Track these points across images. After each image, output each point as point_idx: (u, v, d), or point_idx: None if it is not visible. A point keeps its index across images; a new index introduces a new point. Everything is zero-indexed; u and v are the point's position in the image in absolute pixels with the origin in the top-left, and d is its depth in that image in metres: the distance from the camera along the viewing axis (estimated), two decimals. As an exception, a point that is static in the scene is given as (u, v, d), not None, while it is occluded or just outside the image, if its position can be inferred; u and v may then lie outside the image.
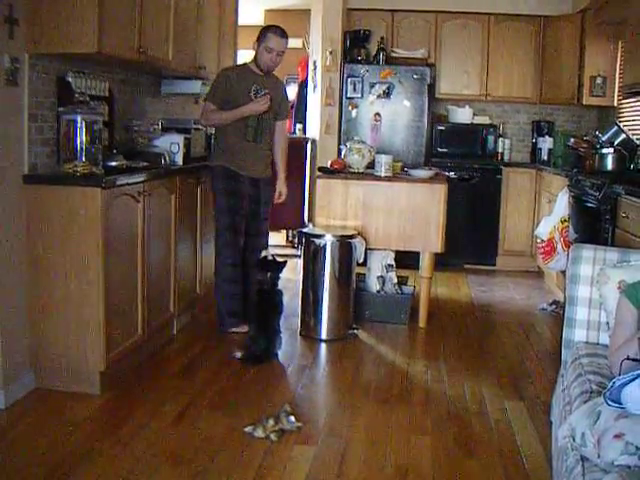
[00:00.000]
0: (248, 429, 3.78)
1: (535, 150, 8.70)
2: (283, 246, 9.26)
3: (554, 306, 6.54)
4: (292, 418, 3.82)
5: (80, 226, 4.09)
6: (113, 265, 4.24)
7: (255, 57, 5.46)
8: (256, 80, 5.44)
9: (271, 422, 3.76)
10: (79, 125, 4.36)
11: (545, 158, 8.46)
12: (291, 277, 7.19)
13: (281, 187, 5.72)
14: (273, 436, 3.71)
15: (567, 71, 8.08)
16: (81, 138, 4.37)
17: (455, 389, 4.57)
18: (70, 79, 4.50)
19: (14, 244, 4.05)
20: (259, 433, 3.73)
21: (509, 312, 6.56)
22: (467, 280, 7.78)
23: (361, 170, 6.12)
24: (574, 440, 2.39)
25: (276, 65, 5.50)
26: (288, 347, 5.25)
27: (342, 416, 4.15)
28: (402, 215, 5.77)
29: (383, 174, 5.94)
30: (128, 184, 4.40)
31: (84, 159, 4.32)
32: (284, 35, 5.40)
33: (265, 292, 5.18)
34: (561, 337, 3.66)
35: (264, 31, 5.43)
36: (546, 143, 8.49)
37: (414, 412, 4.20)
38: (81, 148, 4.36)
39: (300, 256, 6.08)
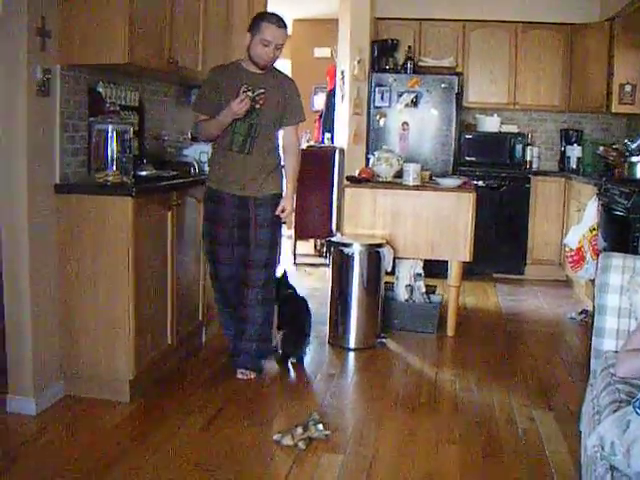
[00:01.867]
0: (276, 437, 3.79)
1: (564, 158, 8.67)
2: (311, 255, 9.29)
3: (583, 315, 6.51)
4: (320, 426, 3.83)
5: (110, 235, 4.12)
6: (143, 274, 4.28)
7: (248, 51, 4.61)
8: (248, 79, 4.60)
9: (299, 430, 3.77)
10: (110, 135, 4.40)
11: (574, 166, 8.42)
12: (319, 286, 7.22)
13: (285, 203, 4.77)
14: (301, 444, 3.72)
15: (595, 79, 8.04)
16: (112, 147, 4.41)
17: (483, 398, 4.56)
18: (101, 89, 4.55)
19: (45, 253, 4.10)
20: (287, 441, 3.74)
21: (538, 321, 6.53)
22: (496, 289, 7.75)
23: (389, 179, 6.12)
24: (603, 449, 2.38)
25: (274, 60, 4.64)
26: (316, 355, 5.27)
27: (370, 425, 4.15)
28: (430, 224, 5.77)
29: (411, 183, 5.94)
30: (158, 193, 4.44)
31: (115, 168, 4.36)
32: (282, 24, 4.56)
33: (292, 297, 5.36)
34: (590, 346, 3.64)
35: (257, 20, 4.59)
36: (575, 151, 8.46)
37: (442, 421, 4.20)
38: (112, 157, 4.40)
39: (328, 265, 6.10)
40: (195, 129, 5.02)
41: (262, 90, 4.58)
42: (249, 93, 4.49)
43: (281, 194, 4.79)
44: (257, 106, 4.57)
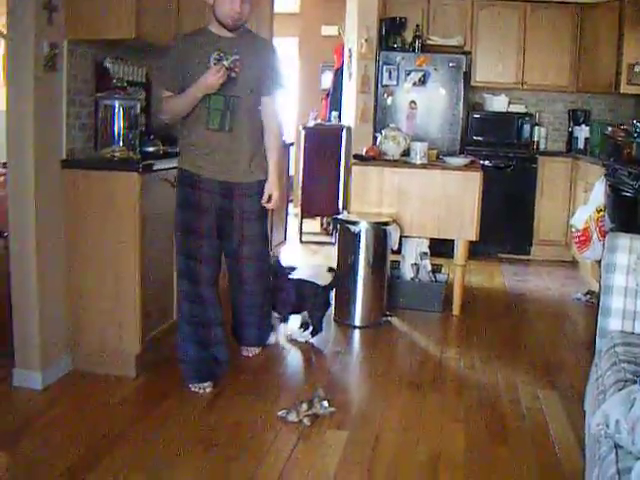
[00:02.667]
0: (281, 413, 3.81)
1: (571, 139, 8.64)
2: (318, 233, 9.29)
3: (589, 296, 6.50)
4: (325, 403, 3.84)
5: (117, 210, 4.13)
6: (149, 249, 4.28)
7: (213, 12, 4.02)
8: (219, 44, 3.99)
9: (304, 407, 3.78)
10: (117, 110, 4.40)
11: (581, 147, 8.39)
12: (325, 264, 7.21)
13: (271, 189, 4.22)
14: (306, 420, 3.73)
15: (604, 59, 7.99)
16: (119, 123, 4.41)
17: (488, 377, 4.56)
18: (108, 65, 4.54)
19: (52, 228, 4.10)
20: (292, 417, 3.76)
21: (543, 301, 6.53)
22: (501, 269, 7.75)
23: (396, 157, 6.11)
24: (608, 427, 2.38)
25: (244, 16, 4.02)
26: (322, 333, 5.27)
27: (375, 402, 4.16)
28: (437, 202, 5.76)
29: (418, 161, 5.93)
30: (165, 169, 4.44)
31: (121, 144, 4.36)
32: None
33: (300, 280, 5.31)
34: (595, 326, 3.64)
35: None
36: (582, 132, 8.43)
37: (447, 399, 4.21)
38: (118, 133, 4.40)
39: (334, 243, 6.10)
40: (159, 108, 4.33)
41: (237, 56, 3.95)
42: (224, 62, 3.89)
43: (266, 179, 4.26)
44: (232, 75, 3.94)
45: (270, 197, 4.25)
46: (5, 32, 3.91)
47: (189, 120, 4.06)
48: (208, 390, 4.11)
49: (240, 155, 4.11)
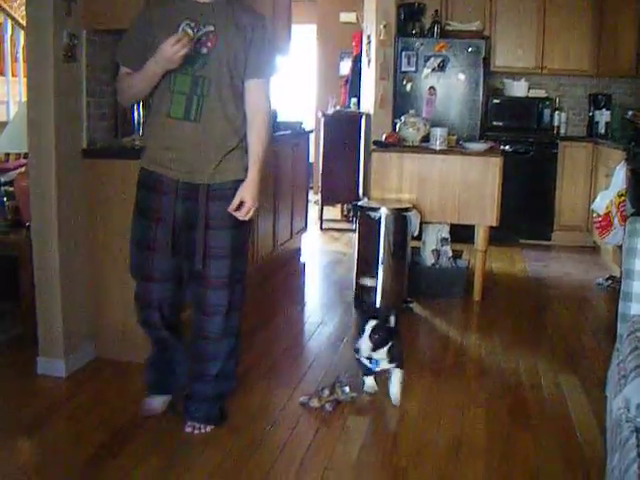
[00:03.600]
0: (303, 399, 3.83)
1: (592, 123, 8.58)
2: (338, 220, 9.29)
3: (610, 281, 6.47)
4: (347, 389, 3.85)
5: (138, 199, 4.14)
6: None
7: None
8: (191, 11, 3.23)
9: (326, 392, 3.80)
10: (137, 99, 4.41)
11: (602, 131, 8.34)
12: (346, 251, 7.25)
13: (244, 193, 3.32)
14: (328, 406, 3.75)
15: (625, 43, 7.91)
16: (138, 112, 4.42)
17: (509, 362, 4.56)
18: (127, 54, 4.53)
19: (73, 217, 4.13)
20: (314, 403, 3.77)
21: (565, 287, 6.51)
22: (522, 255, 7.73)
23: (416, 143, 6.11)
24: (629, 411, 2.39)
25: None
26: (343, 319, 5.29)
27: (396, 388, 4.18)
28: (457, 188, 5.75)
29: (438, 147, 5.92)
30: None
31: (141, 133, 4.37)
32: None
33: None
34: (616, 311, 3.63)
35: None
36: (603, 116, 8.38)
37: (468, 385, 4.21)
38: (139, 122, 4.42)
39: (355, 230, 6.10)
40: (117, 87, 3.53)
41: (211, 28, 3.23)
42: (188, 30, 3.15)
43: (244, 179, 3.37)
44: (204, 50, 3.20)
45: (242, 203, 3.31)
46: (25, 24, 3.93)
47: (152, 105, 3.34)
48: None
49: (209, 151, 3.28)
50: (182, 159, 3.27)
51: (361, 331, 3.85)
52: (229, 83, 3.28)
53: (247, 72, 3.32)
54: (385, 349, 3.84)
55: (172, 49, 3.03)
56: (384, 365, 3.91)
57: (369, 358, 3.89)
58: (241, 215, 3.31)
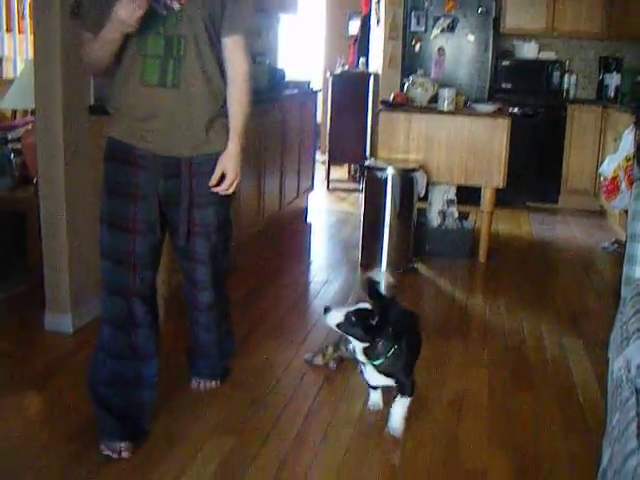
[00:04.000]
0: (307, 356, 3.87)
1: (602, 87, 8.52)
2: (345, 181, 9.29)
3: (616, 245, 6.48)
4: (351, 346, 3.87)
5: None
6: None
7: None
8: None
9: (330, 350, 3.82)
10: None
11: (612, 95, 8.29)
12: (352, 211, 7.26)
13: (225, 165, 3.00)
14: (332, 364, 3.78)
15: (638, 5, 7.85)
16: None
17: (513, 324, 4.58)
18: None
19: (80, 173, 4.13)
20: (318, 361, 3.81)
21: (570, 250, 6.52)
22: (529, 218, 7.72)
23: (424, 104, 6.09)
24: (629, 372, 2.40)
25: None
26: (348, 279, 5.31)
27: (400, 347, 4.20)
28: (464, 149, 5.74)
29: (446, 108, 5.90)
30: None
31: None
32: None
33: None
34: (621, 275, 3.65)
35: None
36: (613, 80, 8.32)
37: (472, 345, 4.24)
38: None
39: (362, 190, 6.11)
40: (81, 56, 2.98)
41: None
42: None
43: None
44: (175, 5, 2.81)
45: (223, 176, 3.01)
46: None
47: (120, 73, 2.88)
48: (125, 454, 2.91)
49: (191, 120, 2.92)
50: (160, 131, 2.88)
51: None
52: (207, 41, 2.90)
53: (223, 28, 2.95)
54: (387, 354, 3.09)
55: (126, 10, 2.62)
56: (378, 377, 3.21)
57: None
58: (223, 189, 3.01)
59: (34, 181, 4.35)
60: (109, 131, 2.97)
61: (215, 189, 3.00)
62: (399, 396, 3.17)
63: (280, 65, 7.28)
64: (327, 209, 7.74)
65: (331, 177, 8.82)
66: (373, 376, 3.19)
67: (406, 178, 5.44)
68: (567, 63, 8.63)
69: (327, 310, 3.08)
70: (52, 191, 4.03)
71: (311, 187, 7.53)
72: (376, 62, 8.71)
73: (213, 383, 3.55)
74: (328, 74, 9.13)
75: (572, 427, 3.32)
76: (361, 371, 3.26)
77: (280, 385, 3.62)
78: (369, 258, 5.57)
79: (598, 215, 7.89)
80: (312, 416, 3.32)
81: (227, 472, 2.86)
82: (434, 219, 6.06)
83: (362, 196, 5.78)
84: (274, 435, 3.14)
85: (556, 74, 8.39)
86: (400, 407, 3.17)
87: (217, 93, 2.97)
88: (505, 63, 8.43)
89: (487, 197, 5.87)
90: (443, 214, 6.05)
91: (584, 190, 8.21)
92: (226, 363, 3.65)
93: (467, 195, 6.52)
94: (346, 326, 3.03)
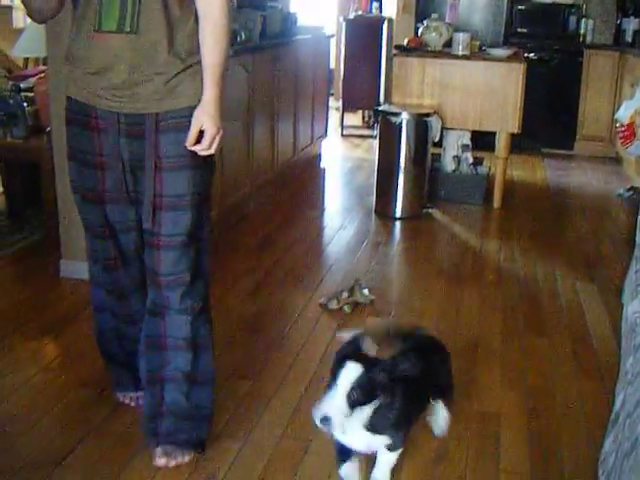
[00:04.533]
0: (322, 301, 3.88)
1: (619, 32, 8.41)
2: (359, 127, 9.25)
3: (631, 192, 6.44)
4: (366, 291, 3.89)
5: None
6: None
7: None
8: None
9: (345, 294, 3.84)
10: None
11: (629, 40, 8.17)
12: (367, 157, 7.23)
13: (202, 119, 2.42)
14: (347, 308, 3.80)
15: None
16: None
17: (527, 269, 4.58)
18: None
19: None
20: (333, 305, 3.82)
21: (585, 197, 6.49)
22: (543, 164, 7.68)
23: (438, 48, 6.03)
24: (645, 315, 2.40)
25: None
26: (363, 224, 5.31)
27: (415, 291, 4.22)
28: (479, 94, 5.69)
29: (461, 52, 5.84)
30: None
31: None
32: None
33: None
34: (636, 221, 3.63)
35: None
36: (631, 24, 8.19)
37: (486, 290, 4.24)
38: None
39: (376, 137, 6.08)
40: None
41: None
42: None
43: None
44: None
45: (201, 133, 2.43)
46: None
47: (75, 17, 2.44)
48: (141, 402, 2.79)
49: (153, 69, 2.38)
50: (119, 84, 2.38)
51: (333, 382, 2.22)
52: None
53: None
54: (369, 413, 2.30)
55: None
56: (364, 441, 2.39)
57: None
58: (203, 148, 2.44)
59: (47, 130, 4.34)
60: (66, 89, 2.51)
61: (194, 148, 2.43)
62: (385, 451, 2.44)
63: (293, 10, 7.21)
64: (341, 155, 7.72)
65: (345, 124, 8.77)
66: (356, 437, 2.35)
67: (420, 123, 5.41)
68: (584, 7, 8.50)
69: (326, 420, 2.14)
70: (64, 139, 4.01)
71: (325, 133, 7.50)
72: (390, 6, 8.61)
73: (187, 457, 2.60)
74: (341, 19, 9.04)
75: (585, 371, 3.33)
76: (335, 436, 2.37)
77: (295, 329, 3.64)
78: (383, 204, 5.56)
79: (614, 162, 7.83)
80: (327, 359, 3.33)
81: (243, 415, 2.89)
82: (448, 165, 6.03)
83: (376, 142, 5.75)
84: (289, 378, 3.17)
85: (572, 18, 8.27)
86: (386, 464, 2.46)
87: (185, 37, 2.43)
88: (521, 7, 8.31)
89: (502, 143, 5.83)
90: (457, 160, 6.02)
91: (600, 136, 8.14)
92: (203, 426, 2.69)
93: (482, 141, 6.47)
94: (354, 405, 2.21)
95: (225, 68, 2.48)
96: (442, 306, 3.98)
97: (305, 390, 3.08)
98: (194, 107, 2.43)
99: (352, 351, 2.29)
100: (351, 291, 3.85)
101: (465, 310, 3.95)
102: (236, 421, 2.85)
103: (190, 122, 2.43)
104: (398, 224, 5.44)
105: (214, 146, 2.47)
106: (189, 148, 2.43)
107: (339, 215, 5.61)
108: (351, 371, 2.19)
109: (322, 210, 5.88)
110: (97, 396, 2.97)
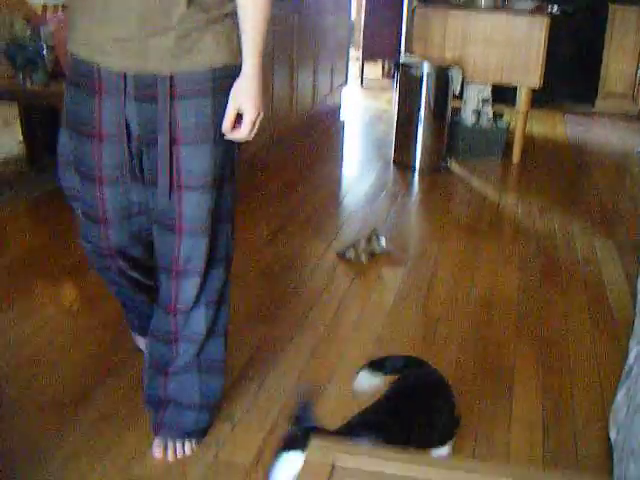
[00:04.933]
0: (339, 250, 3.89)
1: (646, -15, 8.29)
2: (379, 79, 9.19)
3: (652, 149, 6.42)
4: (383, 241, 3.90)
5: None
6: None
7: None
8: None
9: (362, 244, 3.85)
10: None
11: (656, -6, 8.07)
12: (387, 108, 7.20)
13: (242, 97, 2.09)
14: (364, 257, 3.81)
15: None
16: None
17: (545, 224, 4.57)
18: None
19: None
20: (350, 254, 3.83)
21: (605, 153, 6.45)
22: (564, 120, 7.62)
23: (461, 0, 5.96)
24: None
25: None
26: (381, 175, 5.30)
27: (432, 242, 4.22)
28: (501, 47, 5.63)
29: (483, 4, 5.78)
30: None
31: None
32: None
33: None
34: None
35: None
36: (658, -22, 8.09)
37: (503, 244, 4.25)
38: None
39: (396, 87, 6.04)
40: None
41: None
42: None
43: (234, 67, 2.09)
44: None
45: (239, 118, 2.10)
46: None
47: None
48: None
49: (168, 21, 1.97)
50: (127, 37, 1.98)
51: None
52: None
53: None
54: None
55: None
56: None
57: None
58: (242, 136, 2.11)
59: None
60: (68, 45, 2.13)
61: (231, 135, 2.11)
62: None
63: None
64: (361, 106, 7.69)
65: (365, 75, 8.72)
66: None
67: (441, 75, 5.37)
68: (610, -41, 8.38)
69: None
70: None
71: (345, 81, 7.46)
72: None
73: (187, 447, 2.40)
74: (364, -32, 8.95)
75: (600, 326, 3.34)
76: None
77: (312, 277, 3.66)
78: (402, 156, 5.55)
79: (635, 119, 7.76)
80: (344, 307, 3.36)
81: (259, 359, 2.92)
82: (468, 118, 6.00)
83: (396, 93, 5.72)
84: (306, 324, 3.19)
85: (598, -29, 8.15)
86: None
87: None
88: (546, -41, 8.19)
89: (522, 97, 5.79)
90: (477, 113, 5.98)
91: (622, 93, 8.06)
92: (208, 414, 2.49)
93: (502, 95, 6.42)
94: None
95: (267, 35, 2.08)
96: (459, 259, 3.98)
97: (322, 336, 3.11)
98: (214, 69, 2.06)
99: (296, 432, 1.74)
100: (368, 241, 3.86)
101: (482, 263, 3.95)
102: (252, 365, 2.88)
103: (209, 87, 2.07)
104: (417, 176, 5.43)
105: (253, 132, 2.13)
106: (227, 136, 2.11)
107: (358, 165, 5.62)
108: (292, 464, 1.60)
109: (341, 160, 5.88)
110: (116, 338, 3.00)
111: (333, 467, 1.05)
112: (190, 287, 2.24)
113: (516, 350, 3.11)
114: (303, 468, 1.16)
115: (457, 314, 3.37)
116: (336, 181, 5.24)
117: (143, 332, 2.63)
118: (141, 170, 2.15)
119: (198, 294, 2.26)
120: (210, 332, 2.34)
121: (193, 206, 2.14)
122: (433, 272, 3.78)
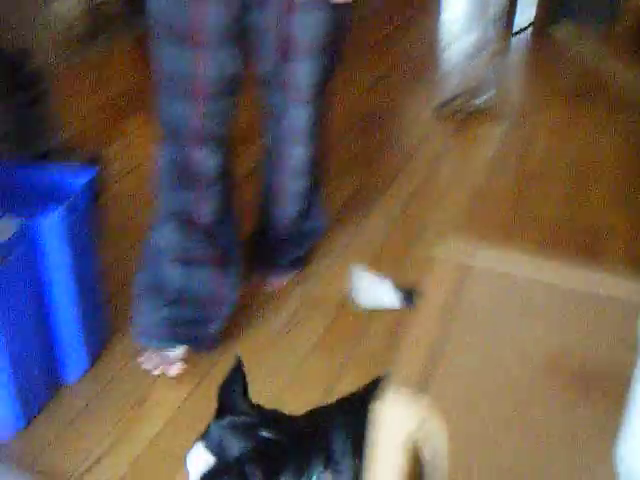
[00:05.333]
0: (438, 105, 3.83)
1: None
2: None
3: None
4: (481, 99, 3.83)
5: None
6: None
7: None
8: None
9: (460, 100, 3.80)
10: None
11: None
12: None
13: None
14: (461, 114, 3.76)
15: None
16: None
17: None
18: None
19: None
20: (447, 110, 3.77)
21: None
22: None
23: None
24: None
25: None
26: (484, 33, 5.12)
27: (532, 103, 4.17)
28: None
29: None
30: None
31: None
32: None
33: None
34: None
35: None
36: None
37: (606, 114, 4.05)
38: None
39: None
40: None
41: None
42: None
43: None
44: None
45: None
46: None
47: None
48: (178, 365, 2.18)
49: None
50: None
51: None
52: None
53: None
54: None
55: None
56: None
57: None
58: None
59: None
60: None
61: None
62: None
63: None
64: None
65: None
66: None
67: None
68: None
69: None
70: None
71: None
72: None
73: (286, 278, 2.55)
74: None
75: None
76: None
77: (410, 131, 3.67)
78: (508, 14, 5.34)
79: None
80: (439, 161, 3.37)
81: (352, 210, 2.96)
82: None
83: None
84: (403, 174, 3.22)
85: None
86: None
87: None
88: None
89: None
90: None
91: None
92: (301, 261, 2.61)
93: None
94: None
95: None
96: (559, 122, 3.90)
97: (418, 185, 3.13)
98: None
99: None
100: (468, 97, 3.81)
101: (580, 129, 3.84)
102: (346, 214, 2.93)
103: None
104: (522, 36, 5.24)
105: None
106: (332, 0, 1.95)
107: (461, 21, 5.45)
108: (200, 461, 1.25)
109: (443, 14, 5.72)
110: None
111: (464, 267, 1.09)
112: (301, 151, 2.25)
113: (611, 211, 3.09)
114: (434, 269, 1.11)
115: (552, 177, 3.34)
116: (437, 35, 5.11)
117: (185, 338, 2.20)
118: (242, 40, 1.97)
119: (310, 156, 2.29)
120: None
121: (303, 70, 2.07)
122: (532, 132, 3.73)
